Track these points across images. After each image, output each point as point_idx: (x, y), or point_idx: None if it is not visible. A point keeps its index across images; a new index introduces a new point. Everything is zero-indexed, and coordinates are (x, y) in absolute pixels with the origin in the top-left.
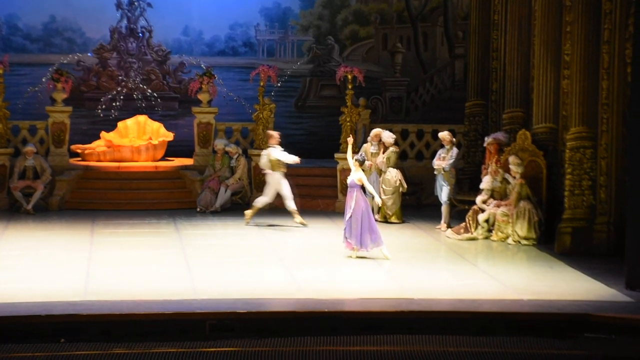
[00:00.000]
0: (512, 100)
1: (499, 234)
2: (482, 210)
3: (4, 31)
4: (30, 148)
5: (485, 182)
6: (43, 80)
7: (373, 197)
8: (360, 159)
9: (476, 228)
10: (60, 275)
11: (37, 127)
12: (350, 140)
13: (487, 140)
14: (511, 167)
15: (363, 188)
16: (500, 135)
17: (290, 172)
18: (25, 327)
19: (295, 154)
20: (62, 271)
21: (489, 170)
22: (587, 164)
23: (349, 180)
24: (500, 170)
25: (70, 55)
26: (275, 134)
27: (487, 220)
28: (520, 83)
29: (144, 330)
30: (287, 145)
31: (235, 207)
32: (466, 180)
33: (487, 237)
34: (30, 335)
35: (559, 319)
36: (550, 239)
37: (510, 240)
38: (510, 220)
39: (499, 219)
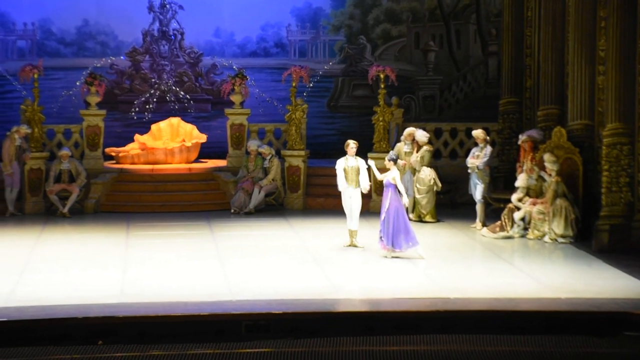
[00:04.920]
0: (546, 97)
1: (535, 232)
2: (518, 209)
3: (38, 36)
4: (65, 152)
5: (521, 180)
6: (77, 83)
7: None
8: (394, 157)
9: (512, 226)
10: (96, 277)
11: (72, 131)
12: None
13: (522, 137)
14: (547, 164)
15: None
16: (534, 133)
17: (323, 173)
18: (63, 330)
19: (328, 154)
20: (98, 273)
21: (524, 168)
22: (624, 161)
23: (384, 179)
24: (535, 168)
25: (103, 59)
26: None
27: (523, 219)
28: (554, 80)
29: (180, 332)
30: (320, 145)
31: (269, 208)
32: (501, 179)
33: (523, 236)
34: (68, 337)
35: (598, 317)
36: (588, 236)
37: (546, 239)
38: (546, 218)
39: (535, 217)
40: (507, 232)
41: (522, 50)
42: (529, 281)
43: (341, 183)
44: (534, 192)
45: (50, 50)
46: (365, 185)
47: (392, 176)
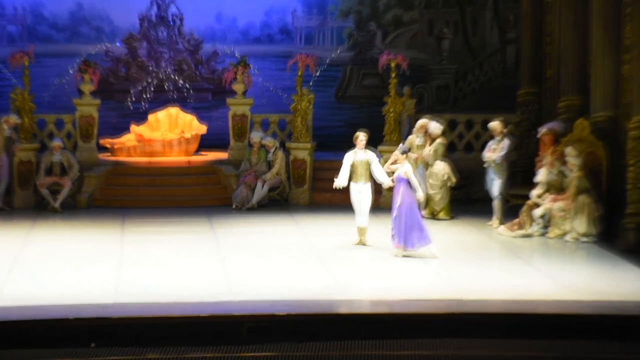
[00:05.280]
0: (568, 87)
1: (556, 230)
2: (538, 205)
3: (28, 20)
4: (57, 143)
5: (541, 175)
6: (70, 71)
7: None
8: (406, 150)
9: (531, 224)
10: (89, 276)
11: (64, 121)
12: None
13: (542, 130)
14: (568, 158)
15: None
16: (555, 125)
17: (330, 166)
18: (54, 331)
19: (336, 146)
20: (91, 272)
21: (545, 162)
22: None
23: (396, 174)
24: (556, 162)
25: (98, 45)
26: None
27: (542, 216)
28: (576, 69)
29: (178, 334)
30: (327, 137)
31: (273, 203)
32: (519, 173)
33: (542, 234)
34: (60, 339)
35: (622, 321)
36: (612, 235)
37: (568, 237)
38: (568, 216)
39: (555, 215)
40: (526, 230)
41: (542, 37)
42: (548, 282)
43: (341, 178)
44: (555, 188)
45: (41, 36)
46: (385, 180)
47: (403, 170)
